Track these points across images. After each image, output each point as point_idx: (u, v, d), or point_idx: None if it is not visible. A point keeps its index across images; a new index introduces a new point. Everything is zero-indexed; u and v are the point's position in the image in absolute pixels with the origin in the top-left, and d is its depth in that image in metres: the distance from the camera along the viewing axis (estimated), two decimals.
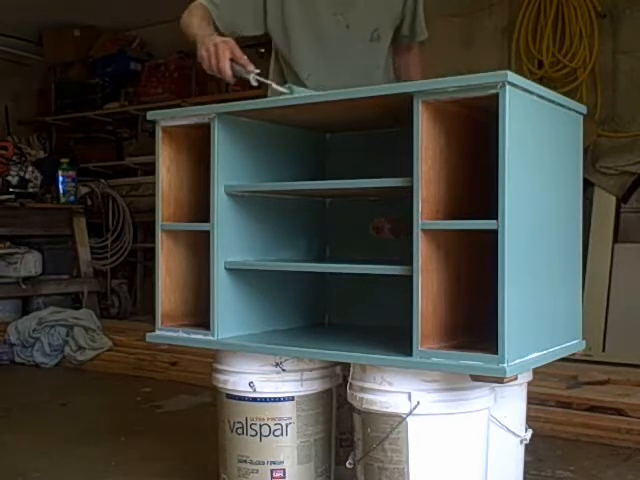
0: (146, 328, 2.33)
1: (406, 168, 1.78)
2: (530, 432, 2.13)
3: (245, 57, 2.18)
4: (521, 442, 2.11)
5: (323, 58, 2.46)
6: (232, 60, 2.17)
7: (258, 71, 2.18)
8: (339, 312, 2.45)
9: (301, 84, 2.39)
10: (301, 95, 2.05)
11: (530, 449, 2.26)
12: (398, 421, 1.81)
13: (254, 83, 2.17)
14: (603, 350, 4.31)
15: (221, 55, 2.16)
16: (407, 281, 1.76)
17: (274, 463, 2.08)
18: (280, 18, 2.45)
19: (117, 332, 5.00)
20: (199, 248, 2.21)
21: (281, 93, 2.09)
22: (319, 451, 2.13)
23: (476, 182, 1.90)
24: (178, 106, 2.29)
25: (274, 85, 2.11)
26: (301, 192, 2.28)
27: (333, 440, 2.19)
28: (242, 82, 6.61)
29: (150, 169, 5.82)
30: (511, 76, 1.67)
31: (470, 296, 1.88)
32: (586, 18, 4.70)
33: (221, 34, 2.36)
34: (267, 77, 2.48)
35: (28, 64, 7.46)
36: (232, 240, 2.12)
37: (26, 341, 4.80)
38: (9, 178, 5.96)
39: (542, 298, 1.88)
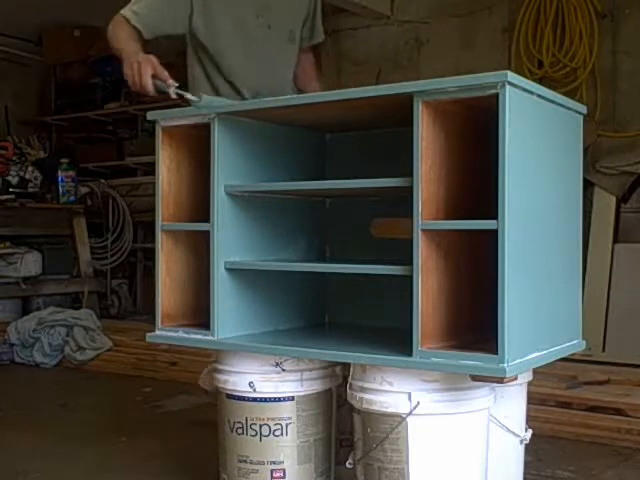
0: (146, 328, 2.33)
1: (406, 168, 1.78)
2: (530, 432, 2.13)
3: (165, 72, 2.28)
4: (521, 442, 2.11)
5: (248, 57, 2.57)
6: (154, 76, 2.26)
7: (177, 84, 2.27)
8: (339, 312, 2.45)
9: (226, 82, 2.52)
10: (211, 104, 2.13)
11: (530, 449, 2.26)
12: (398, 421, 1.81)
13: (173, 96, 2.25)
14: (603, 350, 4.31)
15: (143, 72, 2.24)
16: (407, 281, 1.76)
17: (274, 463, 2.08)
18: (205, 18, 2.52)
19: (117, 332, 5.00)
20: (199, 248, 2.21)
21: (193, 102, 2.16)
22: (319, 451, 2.12)
23: (476, 182, 1.90)
24: (178, 106, 2.32)
25: (187, 95, 2.20)
26: (301, 192, 2.28)
27: (333, 440, 2.19)
28: None
29: (150, 169, 5.82)
30: (511, 76, 1.67)
31: (470, 296, 1.88)
32: (586, 18, 4.71)
33: (145, 42, 2.45)
34: (192, 81, 2.60)
35: (28, 64, 7.45)
36: (232, 240, 2.12)
37: (26, 341, 4.80)
38: (9, 178, 5.96)
39: (542, 298, 1.87)
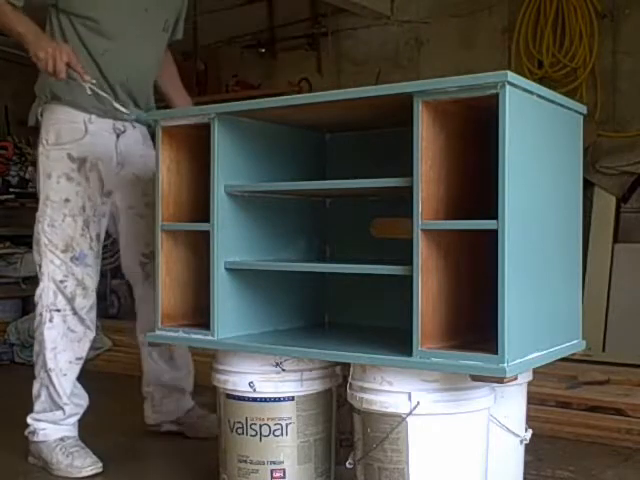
0: None
1: (406, 168, 1.78)
2: (530, 432, 2.13)
3: (80, 66, 2.37)
4: (521, 442, 2.11)
5: (123, 38, 2.58)
6: (68, 65, 2.34)
7: (94, 81, 2.34)
8: (339, 312, 2.45)
9: (93, 61, 2.53)
10: (136, 114, 2.27)
11: (530, 449, 2.25)
12: (398, 421, 1.81)
13: (89, 92, 2.33)
14: (603, 350, 4.31)
15: (58, 59, 2.33)
16: (407, 281, 1.76)
17: (274, 463, 2.08)
18: None
19: (117, 332, 5.00)
20: (199, 248, 2.21)
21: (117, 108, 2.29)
22: (319, 451, 2.13)
23: (476, 182, 1.90)
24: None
25: (117, 105, 2.28)
26: (301, 192, 2.28)
27: (333, 440, 2.19)
28: (242, 82, 6.53)
29: None
30: (511, 76, 1.67)
31: (470, 296, 1.88)
32: (586, 18, 4.70)
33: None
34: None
35: (28, 64, 7.44)
36: (232, 240, 2.12)
37: (26, 341, 4.80)
38: (9, 178, 5.96)
39: (542, 298, 1.88)
